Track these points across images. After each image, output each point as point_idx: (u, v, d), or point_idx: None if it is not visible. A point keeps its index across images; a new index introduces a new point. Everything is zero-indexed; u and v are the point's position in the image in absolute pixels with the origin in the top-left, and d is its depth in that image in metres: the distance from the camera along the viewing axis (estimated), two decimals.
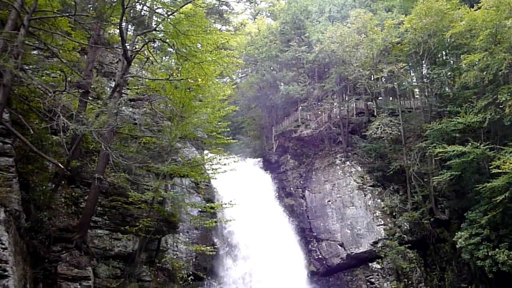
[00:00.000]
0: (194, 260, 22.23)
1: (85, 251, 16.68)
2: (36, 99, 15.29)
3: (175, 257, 20.83)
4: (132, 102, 18.40)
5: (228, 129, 21.03)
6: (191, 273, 20.15)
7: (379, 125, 27.17)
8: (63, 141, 14.55)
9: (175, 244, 21.89)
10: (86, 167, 18.32)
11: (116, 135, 18.41)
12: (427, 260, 26.21)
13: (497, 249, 22.08)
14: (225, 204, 20.01)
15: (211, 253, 19.62)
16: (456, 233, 23.71)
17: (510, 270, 21.79)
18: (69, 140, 16.70)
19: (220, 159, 20.20)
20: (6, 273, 11.90)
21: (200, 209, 21.38)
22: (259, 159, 31.90)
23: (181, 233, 22.25)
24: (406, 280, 25.37)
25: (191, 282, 20.05)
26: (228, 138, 20.76)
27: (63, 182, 17.17)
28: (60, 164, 15.25)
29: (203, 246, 19.85)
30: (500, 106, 22.72)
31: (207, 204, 21.05)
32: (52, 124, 14.20)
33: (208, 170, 20.86)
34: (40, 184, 15.99)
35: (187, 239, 22.25)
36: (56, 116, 13.73)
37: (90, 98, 17.92)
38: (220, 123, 20.28)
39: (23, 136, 14.09)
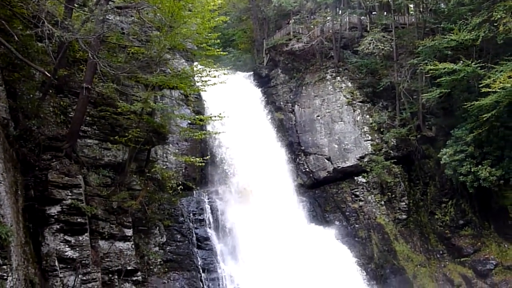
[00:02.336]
0: (183, 170, 22.65)
1: (75, 160, 16.84)
2: (20, 4, 14.77)
3: (164, 167, 21.18)
4: (119, 10, 17.82)
5: (219, 41, 20.59)
6: (180, 183, 20.54)
7: (372, 40, 26.85)
8: (48, 49, 14.24)
9: (164, 155, 22.19)
10: (74, 77, 18.09)
11: (104, 44, 18.02)
12: (411, 175, 26.90)
13: (479, 166, 22.65)
14: (214, 116, 20.04)
15: (200, 164, 19.88)
16: (441, 150, 24.20)
17: (490, 186, 22.49)
18: (55, 48, 16.36)
19: (209, 71, 19.99)
20: None
21: (189, 121, 21.46)
22: (249, 73, 31.63)
23: (170, 144, 22.49)
24: (390, 193, 26.15)
25: (180, 192, 20.49)
26: (218, 50, 20.39)
27: (50, 91, 16.99)
28: (46, 73, 15.02)
29: (192, 157, 20.09)
30: (495, 24, 22.41)
31: (196, 116, 21.06)
32: (37, 30, 13.83)
33: (198, 82, 20.70)
34: (27, 93, 15.84)
35: (176, 150, 22.53)
36: (41, 22, 13.35)
37: (76, 5, 17.33)
38: (210, 34, 19.85)
39: (7, 43, 13.76)
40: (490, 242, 24.02)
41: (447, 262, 24.53)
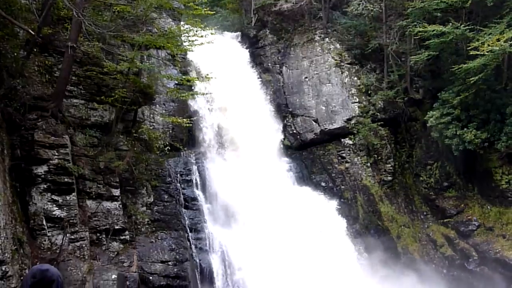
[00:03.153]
0: (170, 131, 22.61)
1: (61, 119, 16.74)
2: None
3: (151, 128, 21.11)
4: None
5: (206, 0, 20.30)
6: (167, 143, 20.56)
7: (361, 1, 26.55)
8: (32, 6, 13.99)
9: (151, 115, 22.09)
10: (59, 35, 17.78)
11: (89, 2, 17.69)
12: (397, 137, 27.09)
13: (465, 129, 22.84)
14: (202, 77, 19.91)
15: (187, 125, 19.85)
16: (428, 113, 24.30)
17: (475, 149, 22.75)
18: (39, 6, 16.05)
19: (197, 31, 19.74)
20: None
21: (176, 82, 21.29)
22: (237, 33, 31.24)
23: (157, 105, 22.37)
24: (376, 155, 26.39)
25: (168, 152, 20.52)
26: (205, 9, 20.07)
27: (35, 50, 16.73)
28: (30, 31, 14.78)
29: (180, 118, 20.04)
30: None
31: (184, 77, 20.91)
32: None
33: (185, 42, 20.45)
34: (11, 51, 15.58)
35: (163, 111, 22.43)
36: None
37: None
38: None
39: None
40: (473, 204, 24.44)
41: (430, 223, 24.99)
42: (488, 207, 23.83)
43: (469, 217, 24.01)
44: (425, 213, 25.41)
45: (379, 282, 20.95)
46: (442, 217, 24.70)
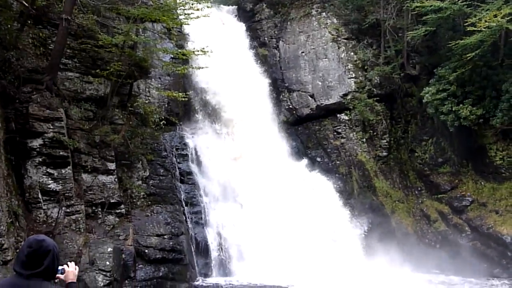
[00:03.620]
0: (166, 105, 22.53)
1: (56, 93, 16.64)
2: None
3: (147, 102, 21.02)
4: None
5: None
6: (163, 117, 20.48)
7: None
8: None
9: (147, 89, 21.99)
10: (53, 7, 17.56)
11: None
12: (393, 113, 27.11)
13: (461, 105, 22.86)
14: (197, 51, 19.74)
15: (183, 99, 19.77)
16: (424, 89, 24.28)
17: (470, 125, 22.81)
18: None
19: (192, 4, 19.52)
20: None
21: (172, 55, 21.13)
22: (233, 7, 30.95)
23: (153, 79, 22.24)
24: (371, 131, 26.43)
25: (163, 127, 20.46)
26: None
27: (29, 22, 16.55)
28: (24, 2, 14.60)
29: (175, 92, 19.94)
30: None
31: (179, 50, 20.73)
32: None
33: (181, 15, 20.23)
34: (4, 23, 15.41)
35: (159, 85, 22.31)
36: None
37: None
38: None
39: None
40: (467, 180, 24.58)
41: (424, 199, 25.17)
42: (482, 183, 23.98)
43: (463, 193, 24.18)
44: (419, 189, 25.57)
45: (373, 256, 21.17)
46: (436, 192, 24.87)
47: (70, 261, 4.19)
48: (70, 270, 4.09)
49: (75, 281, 4.10)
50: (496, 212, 22.65)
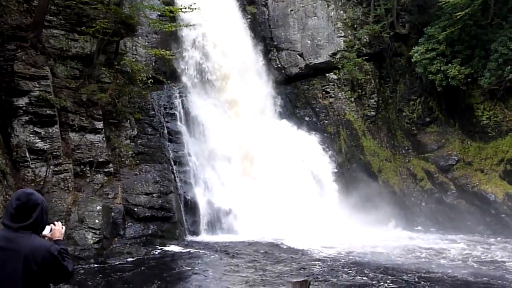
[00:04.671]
0: (153, 64, 22.26)
1: (41, 50, 16.41)
2: None
3: (134, 60, 20.75)
4: None
5: None
6: (150, 76, 20.27)
7: None
8: None
9: (134, 47, 21.70)
10: None
11: None
12: (382, 72, 27.05)
13: (449, 64, 22.88)
14: (185, 8, 19.41)
15: (170, 57, 19.57)
16: (413, 48, 24.22)
17: (458, 85, 22.86)
18: None
19: None
20: None
21: (159, 13, 20.77)
22: None
23: (140, 37, 21.91)
24: (360, 90, 26.43)
25: (151, 85, 20.29)
26: None
27: None
28: None
29: (162, 50, 19.68)
30: None
31: (166, 8, 20.35)
32: None
33: None
34: None
35: (146, 43, 21.99)
36: None
37: None
38: None
39: None
40: (454, 139, 24.79)
41: (411, 158, 25.42)
42: (468, 142, 24.22)
43: (449, 152, 24.43)
44: (406, 148, 25.79)
45: (359, 214, 21.49)
46: (423, 151, 25.11)
47: (59, 220, 4.22)
48: (57, 228, 4.11)
49: (61, 239, 4.13)
50: (482, 171, 22.97)
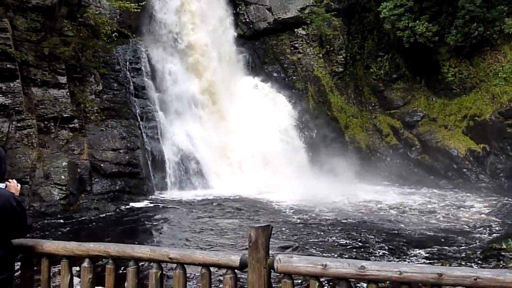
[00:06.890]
0: (118, 17, 21.60)
1: None
2: None
3: (98, 13, 20.05)
4: None
5: None
6: (115, 29, 19.72)
7: None
8: None
9: None
10: None
11: None
12: (350, 28, 26.95)
13: (417, 21, 22.91)
14: None
15: (135, 10, 19.06)
16: (382, 4, 24.10)
17: (425, 42, 22.96)
18: None
19: None
20: None
21: None
22: None
23: None
24: (328, 46, 26.35)
25: (115, 39, 19.76)
26: None
27: None
28: None
29: (127, 2, 19.12)
30: None
31: None
32: None
33: None
34: None
35: None
36: None
37: None
38: None
39: None
40: (419, 96, 25.10)
41: (377, 114, 25.70)
42: (433, 98, 24.58)
43: (414, 108, 24.79)
44: (373, 104, 26.03)
45: (327, 169, 21.79)
46: (389, 108, 25.41)
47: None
48: (12, 185, 4.04)
49: (17, 195, 4.07)
50: (445, 127, 23.43)
